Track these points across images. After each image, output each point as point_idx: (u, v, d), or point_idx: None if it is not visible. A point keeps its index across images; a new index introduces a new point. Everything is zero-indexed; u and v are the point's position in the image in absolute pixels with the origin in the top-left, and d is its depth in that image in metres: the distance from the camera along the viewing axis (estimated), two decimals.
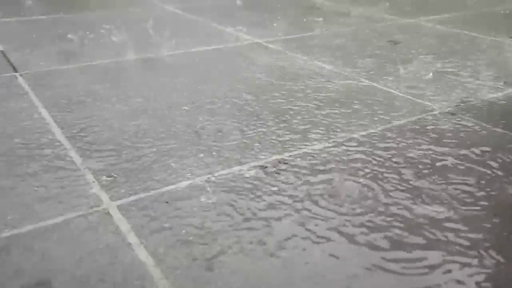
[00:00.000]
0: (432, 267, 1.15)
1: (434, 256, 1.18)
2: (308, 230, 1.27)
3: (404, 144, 1.74)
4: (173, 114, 1.99)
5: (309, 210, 1.36)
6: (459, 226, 1.30)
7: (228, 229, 1.28)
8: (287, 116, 1.97)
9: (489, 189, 1.46)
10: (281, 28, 3.44)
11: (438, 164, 1.61)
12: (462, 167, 1.59)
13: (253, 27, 3.47)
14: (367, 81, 2.38)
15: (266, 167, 1.59)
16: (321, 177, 1.53)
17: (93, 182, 1.49)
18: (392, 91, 2.26)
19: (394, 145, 1.73)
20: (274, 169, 1.57)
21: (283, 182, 1.49)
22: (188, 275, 1.12)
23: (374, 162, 1.62)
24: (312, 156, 1.65)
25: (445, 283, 1.10)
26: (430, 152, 1.69)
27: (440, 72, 2.53)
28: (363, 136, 1.80)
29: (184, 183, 1.49)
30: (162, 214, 1.34)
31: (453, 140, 1.77)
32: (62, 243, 1.22)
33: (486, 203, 1.40)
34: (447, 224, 1.30)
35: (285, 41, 3.10)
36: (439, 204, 1.39)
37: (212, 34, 3.28)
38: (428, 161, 1.63)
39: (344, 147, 1.72)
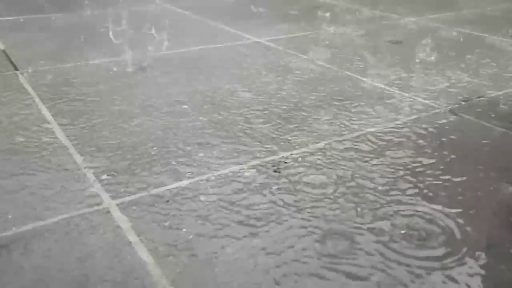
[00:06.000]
0: None
1: None
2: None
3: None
4: (174, 113, 1.99)
5: None
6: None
7: (228, 227, 1.28)
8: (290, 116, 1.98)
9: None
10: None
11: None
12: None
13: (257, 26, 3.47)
14: None
15: (268, 166, 1.59)
16: None
17: (94, 181, 1.50)
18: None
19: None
20: (274, 168, 1.57)
21: (282, 179, 1.50)
22: (188, 273, 1.12)
23: None
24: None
25: None
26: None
27: None
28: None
29: (185, 182, 1.49)
30: (162, 213, 1.34)
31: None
32: (62, 242, 1.22)
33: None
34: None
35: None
36: None
37: (212, 33, 3.28)
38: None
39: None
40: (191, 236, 1.24)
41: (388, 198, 1.41)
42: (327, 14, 3.89)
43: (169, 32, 3.25)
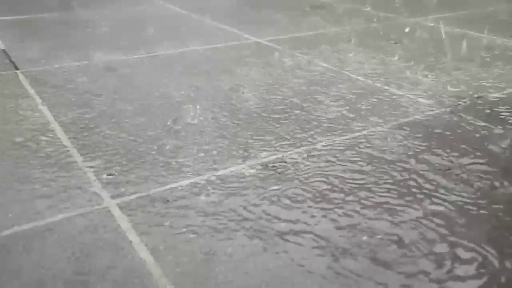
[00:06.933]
0: None
1: None
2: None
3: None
4: (174, 113, 1.99)
5: None
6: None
7: (228, 227, 1.28)
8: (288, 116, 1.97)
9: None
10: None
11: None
12: None
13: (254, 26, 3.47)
14: None
15: (267, 165, 1.59)
16: None
17: (94, 180, 1.49)
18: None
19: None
20: (274, 167, 1.57)
21: (282, 179, 1.50)
22: (188, 273, 1.12)
23: None
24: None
25: None
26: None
27: None
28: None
29: (185, 182, 1.49)
30: (162, 212, 1.34)
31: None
32: (62, 242, 1.22)
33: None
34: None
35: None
36: None
37: (213, 33, 3.28)
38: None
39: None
40: (191, 236, 1.24)
41: (389, 198, 1.41)
42: (328, 15, 3.89)
43: (169, 32, 3.26)
